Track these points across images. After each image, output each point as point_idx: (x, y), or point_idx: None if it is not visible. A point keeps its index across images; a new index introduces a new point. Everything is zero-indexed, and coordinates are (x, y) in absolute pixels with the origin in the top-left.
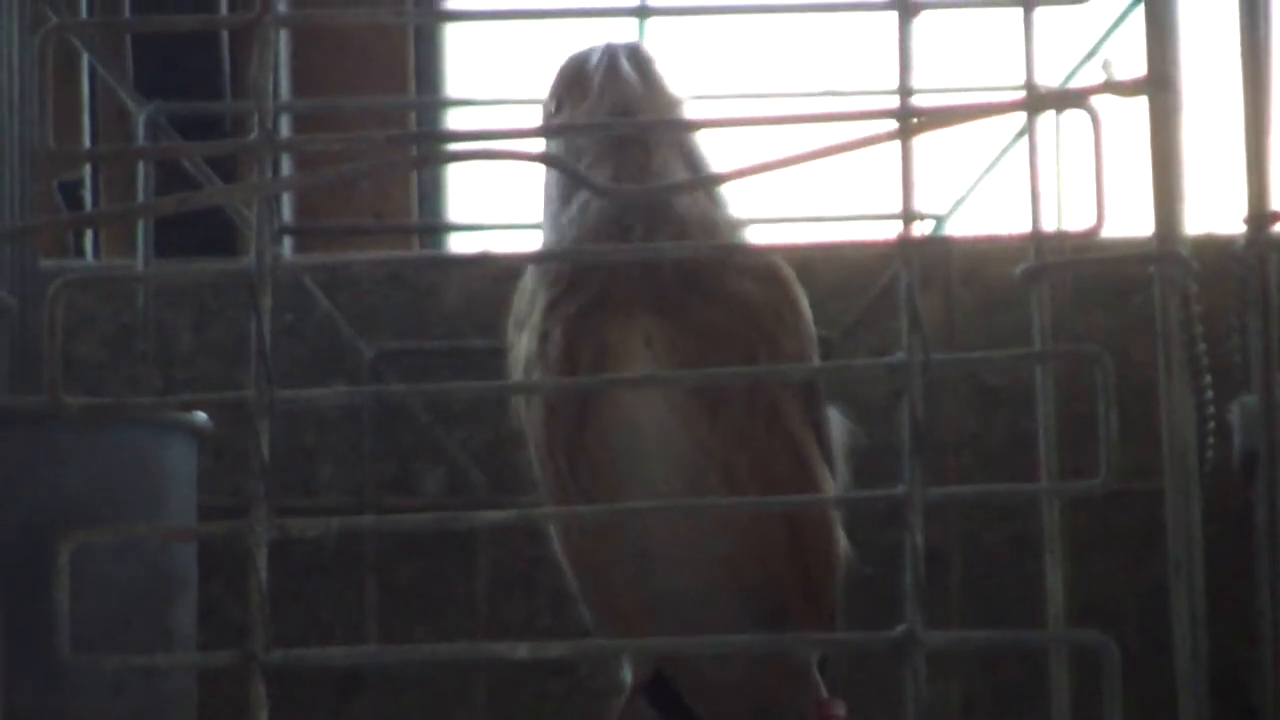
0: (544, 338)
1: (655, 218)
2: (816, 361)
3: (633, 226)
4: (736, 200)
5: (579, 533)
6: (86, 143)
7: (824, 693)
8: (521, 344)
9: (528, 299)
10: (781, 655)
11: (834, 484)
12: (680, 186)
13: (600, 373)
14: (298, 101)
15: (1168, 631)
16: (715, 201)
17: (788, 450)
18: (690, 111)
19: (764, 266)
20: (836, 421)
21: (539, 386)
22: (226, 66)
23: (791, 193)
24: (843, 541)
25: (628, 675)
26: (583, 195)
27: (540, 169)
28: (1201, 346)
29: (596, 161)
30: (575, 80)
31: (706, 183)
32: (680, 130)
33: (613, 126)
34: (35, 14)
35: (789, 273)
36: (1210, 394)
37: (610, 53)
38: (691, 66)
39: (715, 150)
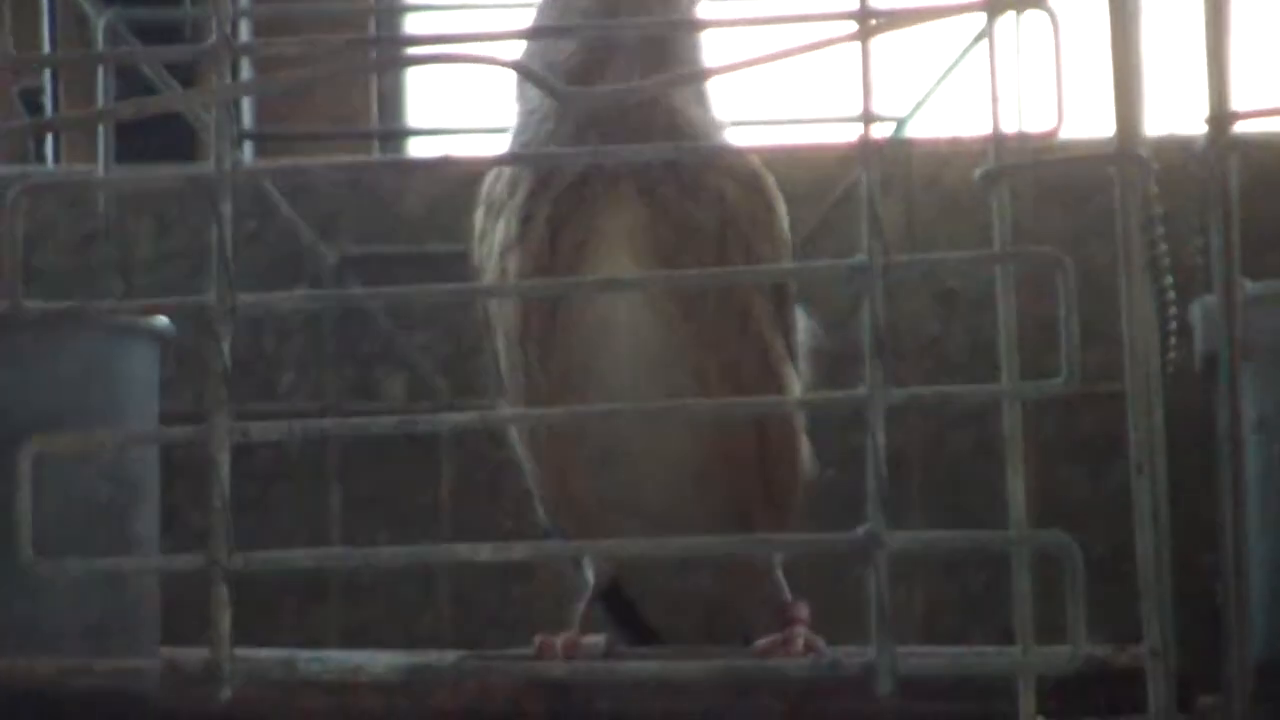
0: (525, 220)
1: (633, 118)
2: (789, 260)
3: (606, 126)
4: (721, 100)
5: (540, 432)
6: (46, 49)
7: (787, 595)
8: (497, 229)
9: (505, 184)
10: (741, 561)
11: (798, 387)
12: (644, 88)
13: (581, 258)
14: (256, 6)
15: (1131, 535)
16: (698, 102)
17: (757, 353)
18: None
19: (745, 169)
20: (801, 322)
21: (504, 290)
22: None
23: (750, 96)
24: (806, 446)
25: (589, 578)
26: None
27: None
28: (1162, 248)
29: (577, 63)
30: None
31: (670, 84)
32: (638, 31)
33: (571, 31)
34: None
35: (769, 178)
36: (1172, 295)
37: None
38: None
39: (712, 51)
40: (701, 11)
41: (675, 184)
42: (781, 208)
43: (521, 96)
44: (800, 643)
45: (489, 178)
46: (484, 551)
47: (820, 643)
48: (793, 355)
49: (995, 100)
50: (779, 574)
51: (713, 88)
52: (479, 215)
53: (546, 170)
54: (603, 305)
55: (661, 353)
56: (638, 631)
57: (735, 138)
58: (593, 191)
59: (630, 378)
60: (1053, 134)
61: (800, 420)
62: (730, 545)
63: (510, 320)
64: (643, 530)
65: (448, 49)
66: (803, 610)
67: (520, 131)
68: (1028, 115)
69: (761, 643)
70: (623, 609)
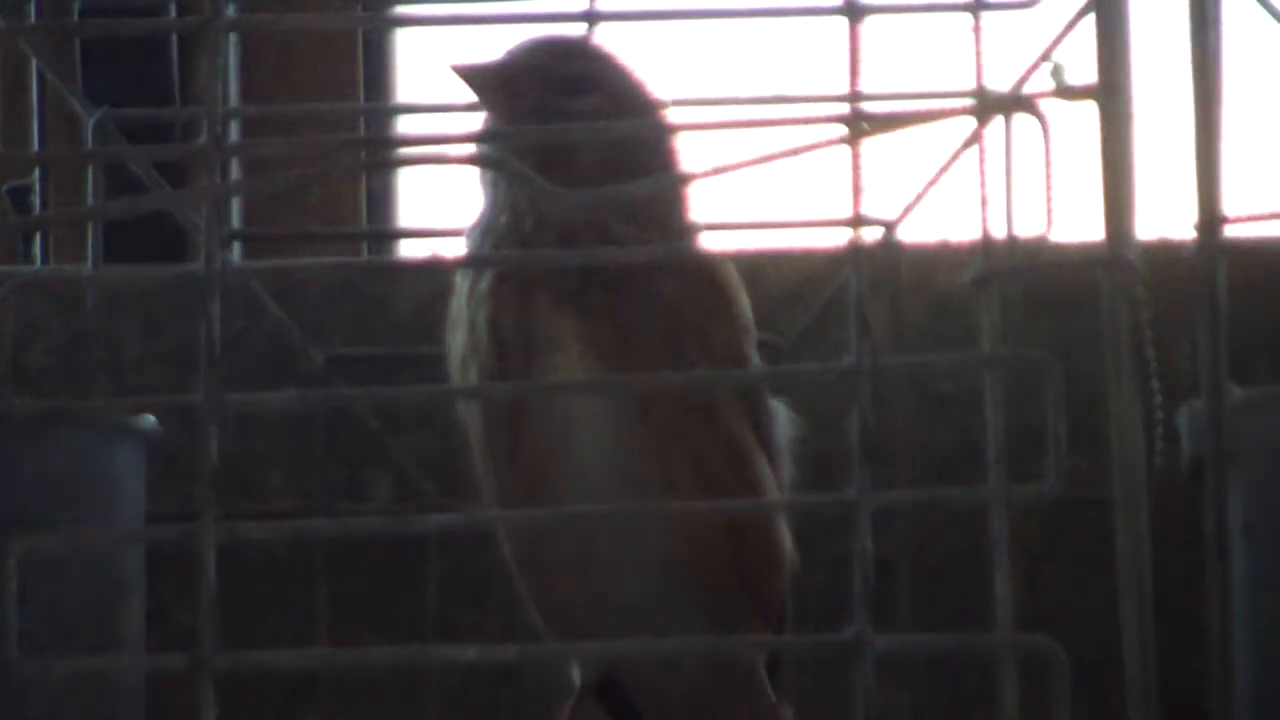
0: (470, 328)
1: (587, 219)
2: (753, 348)
3: (560, 227)
4: (698, 201)
5: (520, 534)
6: (35, 148)
7: (771, 696)
8: (456, 342)
9: (459, 297)
10: (728, 659)
11: (779, 480)
12: (630, 190)
13: (530, 364)
14: (247, 107)
15: (1117, 640)
16: (668, 203)
17: (726, 447)
18: (653, 111)
19: (688, 264)
20: (780, 414)
21: (485, 390)
22: (176, 73)
23: (740, 198)
24: (788, 542)
25: (577, 677)
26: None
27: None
28: (1150, 352)
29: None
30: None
31: (654, 188)
32: (627, 134)
33: (565, 133)
34: None
35: (720, 267)
36: (1159, 400)
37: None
38: (640, 70)
39: (685, 152)
40: (693, 113)
41: (611, 288)
42: (734, 289)
43: (485, 202)
44: None
45: (453, 296)
46: (471, 652)
47: None
48: (765, 445)
49: (985, 204)
50: (763, 674)
51: (695, 190)
52: (446, 332)
53: (475, 277)
54: (561, 407)
55: (624, 449)
56: None
57: (709, 241)
58: (526, 294)
59: (595, 476)
60: (1042, 238)
61: (779, 516)
62: (714, 647)
63: (477, 430)
64: (624, 627)
65: (436, 150)
66: (787, 713)
67: (469, 238)
68: (1017, 219)
69: None
70: (618, 701)
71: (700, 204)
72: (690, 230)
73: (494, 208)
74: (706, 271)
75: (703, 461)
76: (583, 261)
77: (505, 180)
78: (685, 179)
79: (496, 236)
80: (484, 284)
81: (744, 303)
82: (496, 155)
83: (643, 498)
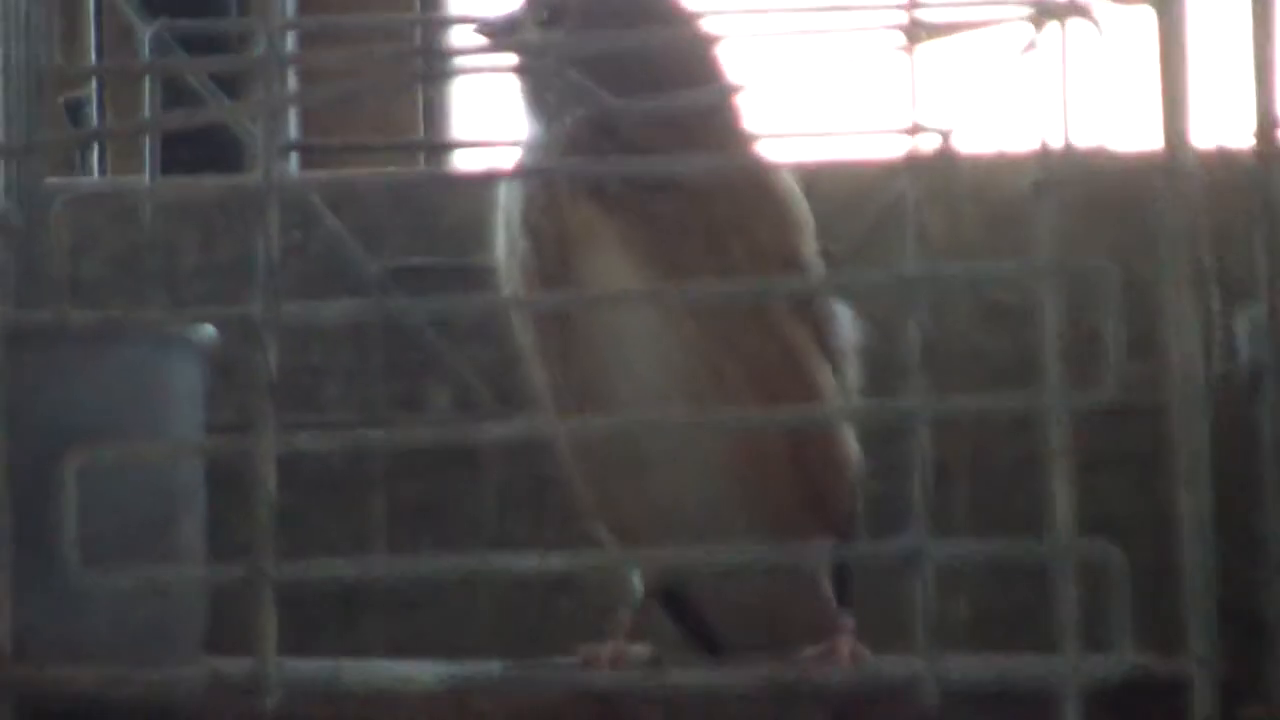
0: (506, 226)
1: (591, 121)
2: (812, 251)
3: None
4: (754, 111)
5: (577, 442)
6: (92, 60)
7: (834, 604)
8: (498, 245)
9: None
10: (789, 567)
11: (844, 385)
12: (686, 100)
13: (566, 264)
14: (303, 19)
15: (1175, 548)
16: (721, 111)
17: (778, 345)
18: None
19: (732, 168)
20: (844, 318)
21: (542, 301)
22: None
23: (795, 107)
24: (854, 447)
25: (637, 587)
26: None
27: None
28: (1208, 259)
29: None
30: None
31: (710, 97)
32: (682, 44)
33: (617, 40)
34: None
35: (769, 171)
36: (1218, 307)
37: None
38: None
39: (735, 62)
40: (750, 22)
41: (644, 183)
42: (783, 192)
43: (532, 115)
44: (846, 652)
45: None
46: (526, 562)
47: (866, 653)
48: (824, 346)
49: (1041, 112)
50: (825, 583)
51: (749, 101)
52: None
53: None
54: (605, 312)
55: (674, 352)
56: (702, 637)
57: (762, 150)
58: (548, 192)
59: (648, 381)
60: (1100, 146)
61: (841, 422)
62: (775, 554)
63: (529, 338)
64: (684, 535)
65: (492, 60)
66: (847, 620)
67: (521, 149)
68: (1074, 127)
69: (807, 652)
70: (687, 614)
71: (753, 113)
72: (728, 134)
73: (541, 118)
74: (745, 169)
75: (756, 364)
76: (639, 169)
77: (555, 90)
78: (739, 88)
79: (543, 147)
80: (516, 184)
81: (796, 203)
82: (550, 66)
83: (696, 401)
